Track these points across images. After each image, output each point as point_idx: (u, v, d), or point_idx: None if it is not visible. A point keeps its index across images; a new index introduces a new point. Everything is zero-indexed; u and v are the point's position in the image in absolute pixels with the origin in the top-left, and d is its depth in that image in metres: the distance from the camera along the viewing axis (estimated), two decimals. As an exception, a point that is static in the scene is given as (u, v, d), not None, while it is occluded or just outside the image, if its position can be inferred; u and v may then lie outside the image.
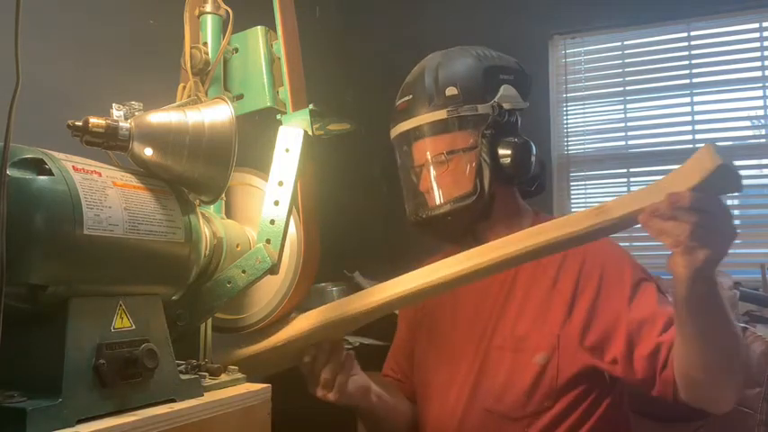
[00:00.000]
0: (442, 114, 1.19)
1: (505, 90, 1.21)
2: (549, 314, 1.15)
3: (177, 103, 1.02)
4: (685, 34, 2.60)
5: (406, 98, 1.24)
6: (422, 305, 1.35)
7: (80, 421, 0.65)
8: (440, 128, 1.20)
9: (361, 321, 1.08)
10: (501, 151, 1.19)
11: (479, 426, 1.16)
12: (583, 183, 2.78)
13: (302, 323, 1.08)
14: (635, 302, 1.10)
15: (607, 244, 1.18)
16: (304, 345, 1.08)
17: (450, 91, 1.20)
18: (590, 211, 0.93)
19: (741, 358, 1.00)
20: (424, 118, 1.21)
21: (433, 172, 1.22)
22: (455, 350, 1.23)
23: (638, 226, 0.89)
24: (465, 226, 1.23)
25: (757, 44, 2.51)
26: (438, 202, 1.21)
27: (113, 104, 0.82)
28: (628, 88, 2.70)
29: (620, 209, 0.90)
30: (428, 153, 1.22)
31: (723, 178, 0.85)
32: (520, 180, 1.24)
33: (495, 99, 1.20)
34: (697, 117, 2.60)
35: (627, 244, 2.68)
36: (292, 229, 1.05)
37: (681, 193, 0.83)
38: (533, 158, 1.22)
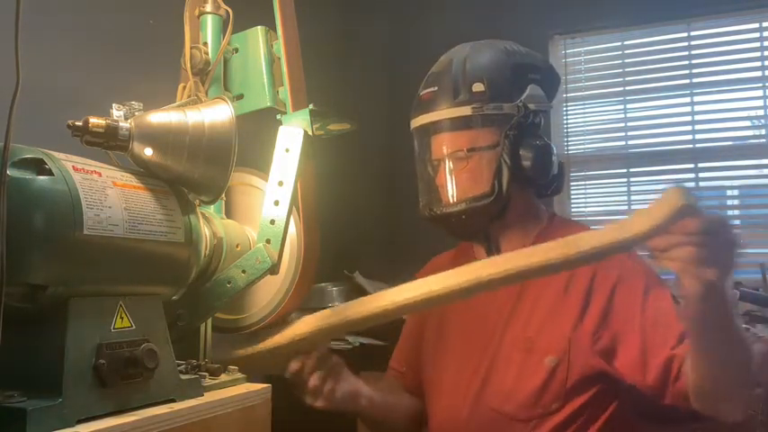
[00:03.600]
0: (466, 111, 1.16)
1: (532, 90, 1.19)
2: (561, 317, 1.13)
3: (177, 103, 1.02)
4: (685, 34, 2.60)
5: (431, 89, 1.21)
6: None
7: (80, 421, 0.65)
8: (463, 124, 1.18)
9: (359, 326, 1.07)
10: (522, 153, 1.17)
11: (486, 425, 1.15)
12: (583, 183, 2.78)
13: (301, 327, 1.07)
14: (649, 310, 1.09)
15: (640, 270, 1.15)
16: (301, 348, 1.08)
17: (477, 87, 1.17)
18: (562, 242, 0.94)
19: (753, 370, 0.99)
20: (448, 112, 1.18)
21: (451, 167, 1.20)
22: (464, 348, 1.22)
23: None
24: (478, 225, 1.22)
25: (757, 44, 2.51)
26: (454, 200, 1.19)
27: (113, 104, 0.82)
28: (628, 88, 2.70)
29: (594, 241, 0.92)
30: (448, 148, 1.20)
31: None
32: (538, 183, 1.22)
33: (522, 99, 1.18)
34: (697, 117, 2.60)
35: (627, 244, 2.68)
36: (292, 229, 1.05)
37: (686, 221, 0.85)
38: (554, 161, 1.20)
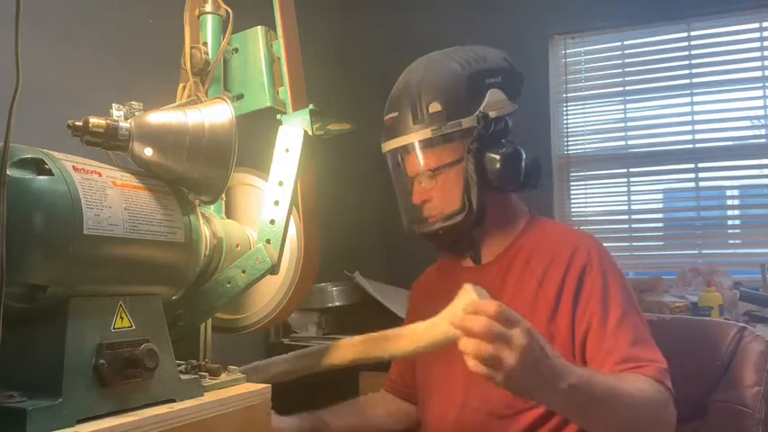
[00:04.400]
0: (426, 134, 1.19)
1: (492, 96, 1.20)
2: (535, 314, 1.15)
3: (177, 103, 1.02)
4: (685, 34, 2.61)
5: (392, 115, 1.24)
6: (419, 308, 1.35)
7: (80, 421, 0.65)
8: (425, 145, 1.20)
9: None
10: (487, 164, 1.19)
11: (471, 425, 1.17)
12: (583, 183, 2.78)
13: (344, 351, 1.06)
14: (608, 329, 1.11)
15: (592, 247, 1.19)
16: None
17: (434, 107, 1.19)
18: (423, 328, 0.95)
19: (645, 423, 1.03)
20: (409, 138, 1.21)
21: (422, 187, 1.23)
22: (451, 350, 1.23)
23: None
24: (459, 237, 1.25)
25: (757, 44, 2.51)
26: (429, 219, 1.23)
27: (113, 104, 0.82)
28: (628, 88, 2.70)
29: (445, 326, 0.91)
30: (416, 169, 1.22)
31: None
32: (509, 188, 1.24)
33: (481, 109, 1.19)
34: (697, 117, 2.60)
35: (626, 244, 2.69)
36: (292, 230, 1.05)
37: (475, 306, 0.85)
38: (523, 164, 1.22)
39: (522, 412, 1.13)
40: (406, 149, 1.23)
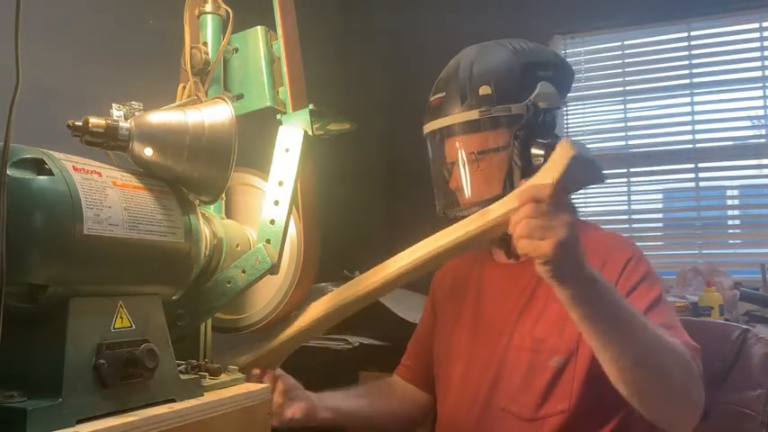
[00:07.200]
0: (474, 115, 1.17)
1: (543, 88, 1.19)
2: (570, 319, 1.11)
3: (177, 103, 1.02)
4: (685, 34, 2.60)
5: (440, 95, 1.22)
6: (441, 297, 1.36)
7: (80, 421, 0.65)
8: (471, 127, 1.19)
9: (367, 301, 1.12)
10: (533, 153, 1.16)
11: (494, 424, 1.15)
12: (583, 183, 2.77)
13: (311, 313, 1.09)
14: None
15: (626, 249, 1.16)
16: (314, 333, 1.11)
17: (484, 90, 1.17)
18: (475, 216, 1.02)
19: (671, 369, 0.97)
20: (456, 118, 1.19)
21: (463, 170, 1.20)
22: (474, 346, 1.22)
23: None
24: None
25: (757, 44, 2.51)
26: (467, 203, 1.20)
27: (113, 104, 0.82)
28: (628, 88, 2.70)
29: (499, 209, 0.98)
30: (459, 151, 1.21)
31: (584, 170, 0.91)
32: None
33: (531, 98, 1.17)
34: (697, 117, 2.60)
35: (627, 244, 2.68)
36: (292, 230, 1.05)
37: (540, 187, 0.89)
38: None
39: (550, 418, 1.10)
40: (451, 131, 1.21)
